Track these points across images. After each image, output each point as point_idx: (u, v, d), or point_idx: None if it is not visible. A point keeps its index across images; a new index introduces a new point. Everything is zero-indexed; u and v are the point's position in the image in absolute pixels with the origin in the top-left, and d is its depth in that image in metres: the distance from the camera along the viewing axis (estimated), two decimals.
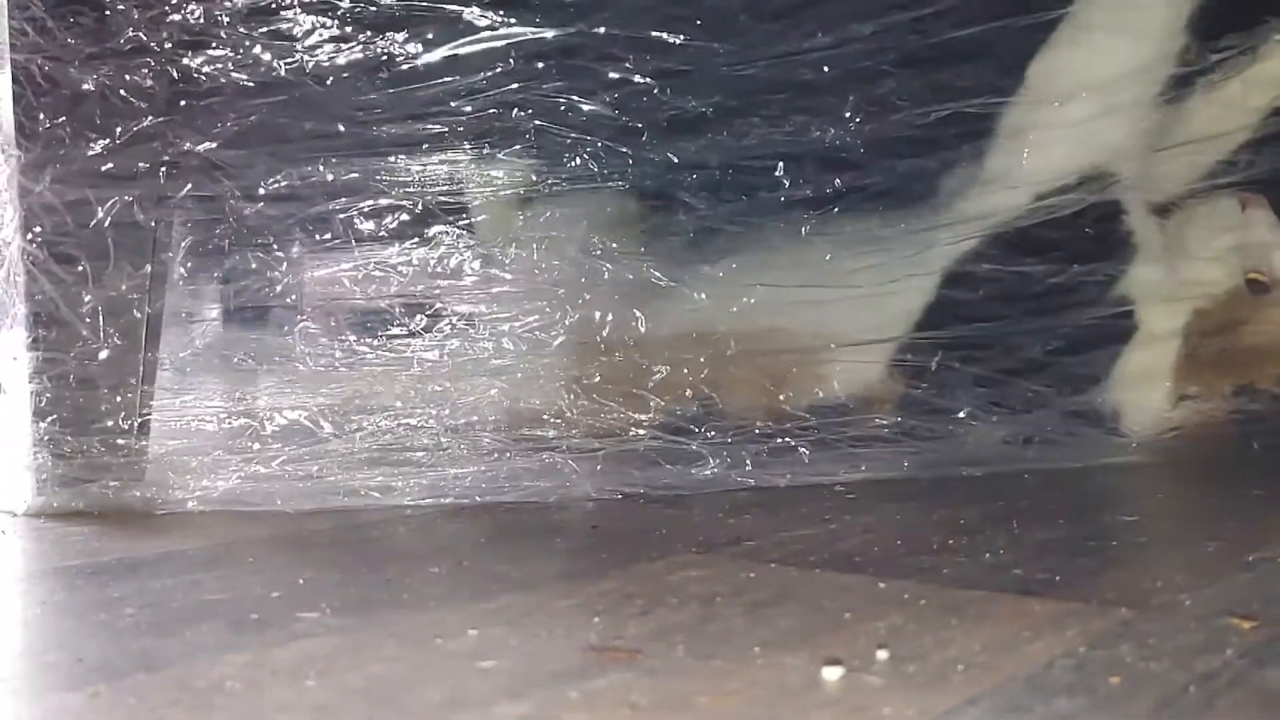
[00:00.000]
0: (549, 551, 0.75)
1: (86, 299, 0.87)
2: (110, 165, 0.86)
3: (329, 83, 0.89)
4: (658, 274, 0.95)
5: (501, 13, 0.90)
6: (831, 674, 0.47)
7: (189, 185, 0.88)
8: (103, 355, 0.88)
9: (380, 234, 0.92)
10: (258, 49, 0.87)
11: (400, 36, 0.89)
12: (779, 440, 0.96)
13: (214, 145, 0.88)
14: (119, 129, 0.86)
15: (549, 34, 0.91)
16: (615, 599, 0.60)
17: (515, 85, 0.91)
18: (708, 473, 0.93)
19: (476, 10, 0.90)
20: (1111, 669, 0.48)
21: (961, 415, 0.99)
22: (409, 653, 0.51)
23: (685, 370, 0.96)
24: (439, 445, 0.92)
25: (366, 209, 0.91)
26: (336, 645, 0.52)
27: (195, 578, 0.67)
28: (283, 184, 0.89)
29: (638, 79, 0.92)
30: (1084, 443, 1.02)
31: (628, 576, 0.65)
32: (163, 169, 0.88)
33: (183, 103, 0.87)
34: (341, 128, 0.90)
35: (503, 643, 0.52)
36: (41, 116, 0.85)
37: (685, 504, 0.88)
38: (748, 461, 0.94)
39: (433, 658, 0.50)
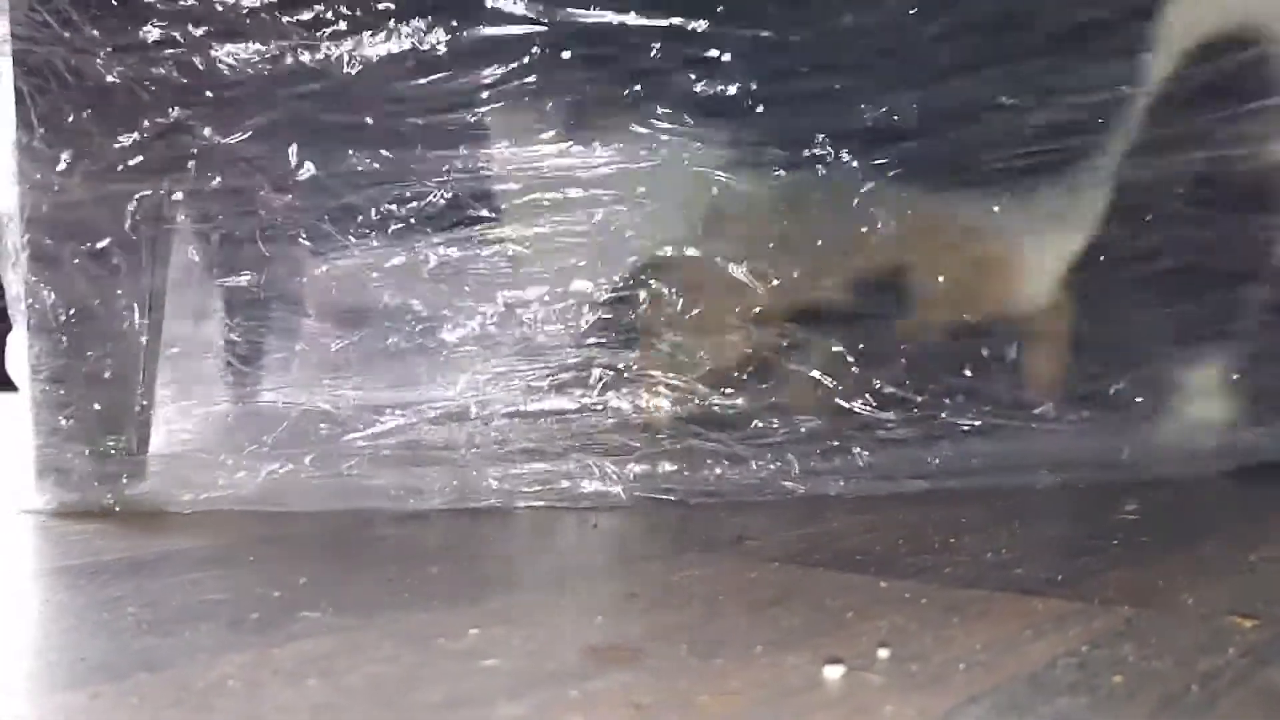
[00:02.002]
0: (551, 551, 0.75)
1: (93, 298, 0.87)
2: (121, 165, 0.86)
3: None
4: None
5: None
6: (833, 673, 0.47)
7: (200, 182, 0.88)
8: (107, 354, 0.88)
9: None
10: (283, 40, 0.86)
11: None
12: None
13: (234, 140, 0.87)
14: (129, 126, 0.86)
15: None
16: (617, 598, 0.60)
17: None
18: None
19: None
20: (1114, 668, 0.48)
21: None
22: (409, 652, 0.51)
23: None
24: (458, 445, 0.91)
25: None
26: (337, 645, 0.52)
27: (196, 577, 0.67)
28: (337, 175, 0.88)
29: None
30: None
31: (630, 575, 0.65)
32: (174, 167, 0.87)
33: (192, 99, 0.87)
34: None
35: (504, 642, 0.52)
36: (49, 113, 0.85)
37: (686, 503, 0.88)
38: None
39: (433, 657, 0.50)
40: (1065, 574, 0.64)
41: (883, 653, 0.49)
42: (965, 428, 0.93)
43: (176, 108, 0.87)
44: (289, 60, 0.87)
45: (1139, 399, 0.96)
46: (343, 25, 0.87)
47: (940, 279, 0.94)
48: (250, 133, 0.88)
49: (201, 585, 0.65)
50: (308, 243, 0.91)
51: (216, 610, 0.59)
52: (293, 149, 0.88)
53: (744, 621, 0.55)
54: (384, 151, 0.89)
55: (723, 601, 0.59)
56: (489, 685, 0.47)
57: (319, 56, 0.86)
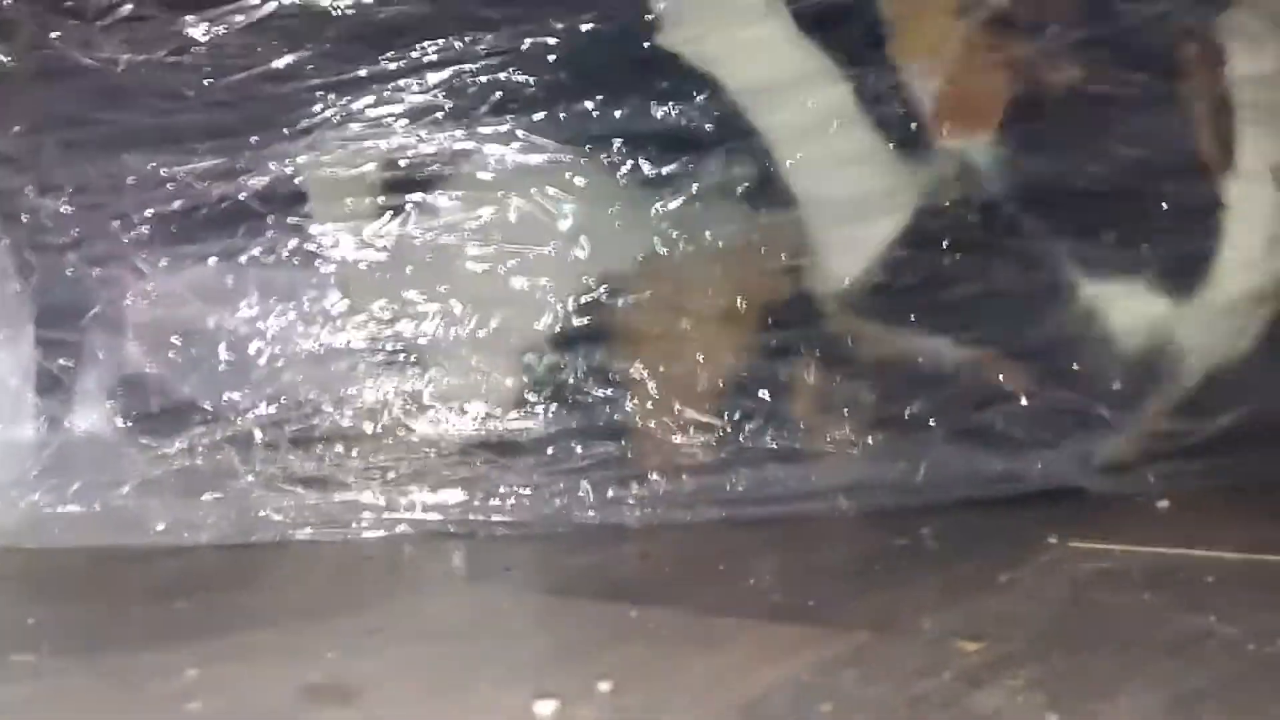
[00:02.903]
0: (307, 584, 0.72)
1: None
2: None
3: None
4: None
5: None
6: (544, 709, 0.46)
7: None
8: None
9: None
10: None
11: None
12: None
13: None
14: None
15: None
16: (358, 633, 0.58)
17: None
18: None
19: None
20: (829, 695, 0.48)
21: None
22: (114, 697, 0.49)
23: None
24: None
25: None
26: (40, 691, 0.50)
27: None
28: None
29: None
30: None
31: (381, 609, 0.64)
32: None
33: None
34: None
35: (220, 683, 0.50)
36: None
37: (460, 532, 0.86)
38: None
39: (139, 702, 0.48)
40: (818, 599, 0.64)
41: (603, 685, 0.49)
42: None
43: None
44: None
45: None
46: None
47: None
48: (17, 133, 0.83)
49: None
50: (74, 252, 0.86)
51: None
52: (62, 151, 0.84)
53: (478, 656, 0.54)
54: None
55: (466, 635, 0.58)
56: None
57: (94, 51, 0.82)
